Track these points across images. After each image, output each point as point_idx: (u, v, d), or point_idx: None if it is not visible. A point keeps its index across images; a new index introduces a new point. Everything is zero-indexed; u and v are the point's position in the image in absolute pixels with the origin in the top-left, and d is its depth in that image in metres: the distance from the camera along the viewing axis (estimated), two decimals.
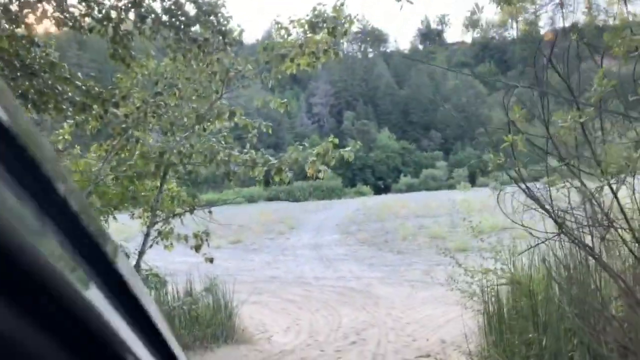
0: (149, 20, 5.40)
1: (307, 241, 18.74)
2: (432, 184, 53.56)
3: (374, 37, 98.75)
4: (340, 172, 60.66)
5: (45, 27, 5.75)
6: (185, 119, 4.56)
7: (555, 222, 3.02)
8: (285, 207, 36.95)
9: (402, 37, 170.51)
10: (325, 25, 4.66)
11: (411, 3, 2.77)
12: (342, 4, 4.77)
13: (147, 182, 5.40)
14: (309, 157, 4.71)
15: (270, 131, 4.94)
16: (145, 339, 0.46)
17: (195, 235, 4.99)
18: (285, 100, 5.13)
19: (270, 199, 50.43)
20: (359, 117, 71.34)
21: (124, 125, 5.24)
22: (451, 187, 50.67)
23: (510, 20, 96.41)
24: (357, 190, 53.32)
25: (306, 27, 4.65)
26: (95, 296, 0.37)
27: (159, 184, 4.66)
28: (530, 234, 3.30)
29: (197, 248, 4.97)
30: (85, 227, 0.38)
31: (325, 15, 4.63)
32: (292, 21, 4.73)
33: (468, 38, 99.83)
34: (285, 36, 4.70)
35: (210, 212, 5.12)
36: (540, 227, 4.24)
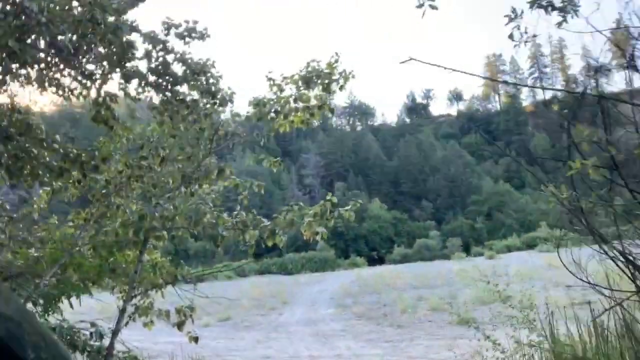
0: (134, 81, 5.17)
1: (300, 316, 17.80)
2: (427, 254, 52.72)
3: (362, 111, 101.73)
4: (333, 244, 59.84)
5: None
6: (170, 180, 4.18)
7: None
8: (277, 281, 35.80)
9: (388, 111, 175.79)
10: (319, 81, 4.43)
11: (435, 8, 2.48)
12: (336, 60, 4.57)
13: (128, 252, 4.92)
14: (306, 218, 4.29)
15: (262, 191, 4.55)
16: None
17: (178, 311, 4.43)
18: (278, 158, 4.77)
19: (261, 273, 49.15)
20: (350, 188, 71.59)
21: (104, 191, 4.83)
22: (445, 256, 49.88)
23: (492, 93, 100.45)
24: (350, 262, 52.26)
25: (300, 83, 4.42)
26: None
27: (138, 253, 4.18)
28: (601, 292, 2.80)
29: (180, 325, 4.39)
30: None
31: (320, 70, 4.41)
32: (285, 77, 4.50)
33: (453, 110, 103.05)
34: (278, 92, 4.45)
35: (195, 284, 4.59)
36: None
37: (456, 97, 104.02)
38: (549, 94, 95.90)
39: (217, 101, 4.89)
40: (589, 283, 2.82)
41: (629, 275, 2.74)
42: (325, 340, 12.96)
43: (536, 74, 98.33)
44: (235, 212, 4.46)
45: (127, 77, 5.24)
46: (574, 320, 3.74)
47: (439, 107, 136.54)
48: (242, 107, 5.01)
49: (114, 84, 5.35)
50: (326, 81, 4.45)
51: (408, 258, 51.92)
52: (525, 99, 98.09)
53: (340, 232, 63.86)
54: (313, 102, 4.51)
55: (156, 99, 5.28)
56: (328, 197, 4.45)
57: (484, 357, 4.05)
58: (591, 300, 3.81)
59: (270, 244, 4.49)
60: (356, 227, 64.15)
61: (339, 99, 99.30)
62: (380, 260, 53.75)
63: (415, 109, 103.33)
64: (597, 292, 2.87)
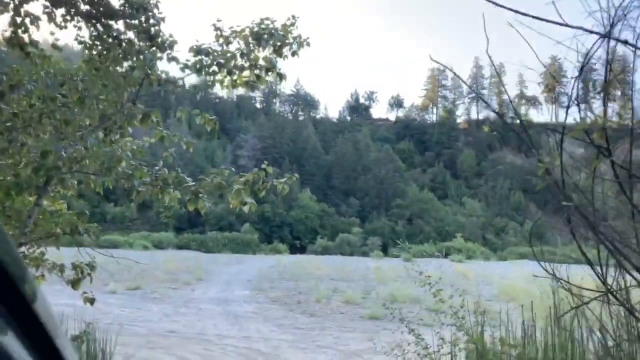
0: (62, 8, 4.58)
1: (214, 295, 17.34)
2: (347, 249, 53.63)
3: (306, 102, 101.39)
4: (258, 228, 59.32)
5: None
6: (87, 121, 3.69)
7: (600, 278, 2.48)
8: (196, 257, 34.90)
9: (331, 106, 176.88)
10: (271, 41, 4.10)
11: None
12: (292, 24, 4.26)
13: (30, 198, 4.34)
14: (235, 185, 3.96)
15: (192, 149, 4.14)
16: None
17: (75, 267, 3.94)
18: (215, 117, 4.37)
19: (180, 247, 47.79)
20: (283, 175, 71.13)
21: (9, 124, 4.23)
22: (365, 253, 50.98)
23: (431, 106, 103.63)
24: (273, 247, 52.07)
25: (250, 39, 4.06)
26: (11, 343, 0.36)
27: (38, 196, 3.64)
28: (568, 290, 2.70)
29: (75, 283, 3.91)
30: (3, 267, 0.37)
31: (273, 29, 4.08)
32: (234, 31, 4.13)
33: (392, 116, 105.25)
34: (225, 45, 4.07)
35: (97, 237, 4.10)
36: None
37: (397, 103, 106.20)
38: (482, 115, 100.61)
39: (155, 45, 4.43)
40: (554, 276, 2.76)
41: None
42: (236, 320, 12.65)
43: (473, 94, 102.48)
44: (157, 167, 4.03)
45: (54, 1, 4.65)
46: (490, 323, 3.70)
47: (380, 111, 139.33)
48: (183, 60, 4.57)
49: (38, 6, 4.73)
50: (278, 43, 4.12)
51: (329, 250, 52.54)
52: (461, 116, 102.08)
53: (267, 217, 63.43)
54: (262, 62, 4.17)
55: (86, 32, 4.73)
56: (263, 165, 4.13)
57: (405, 350, 3.93)
58: (497, 309, 3.82)
59: (191, 208, 4.10)
60: (283, 214, 64.02)
61: (285, 86, 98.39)
62: (302, 250, 54.00)
63: (357, 109, 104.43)
64: (564, 288, 2.80)
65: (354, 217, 69.28)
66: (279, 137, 79.87)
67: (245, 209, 4.14)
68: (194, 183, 3.92)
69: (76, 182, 3.82)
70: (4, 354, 0.35)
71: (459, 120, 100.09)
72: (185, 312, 13.81)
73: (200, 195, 4.08)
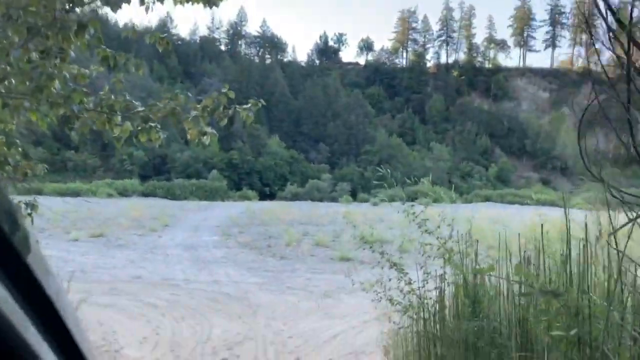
0: None
1: (181, 241, 17.02)
2: (317, 195, 53.81)
3: (273, 44, 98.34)
4: (227, 175, 58.62)
5: None
6: (10, 33, 3.11)
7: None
8: (162, 204, 34.29)
9: (300, 49, 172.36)
10: None
11: None
12: None
13: None
14: (192, 111, 3.50)
15: (142, 72, 3.62)
16: (52, 340, 0.44)
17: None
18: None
19: (146, 195, 46.88)
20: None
21: None
22: (334, 199, 51.33)
23: (401, 49, 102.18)
24: (242, 194, 51.68)
25: None
26: (2, 295, 0.37)
27: None
28: None
29: None
30: None
31: None
32: None
33: (362, 60, 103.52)
34: None
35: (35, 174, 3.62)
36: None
37: (367, 46, 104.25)
38: (451, 59, 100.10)
39: None
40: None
41: None
42: (204, 265, 12.42)
43: (444, 37, 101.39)
44: (102, 92, 3.51)
45: None
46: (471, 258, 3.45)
47: (349, 54, 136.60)
48: None
49: None
50: None
51: (299, 197, 52.60)
52: (430, 60, 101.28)
53: (235, 165, 62.65)
54: None
55: None
56: (224, 89, 3.67)
57: (386, 287, 3.65)
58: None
59: (143, 139, 3.64)
60: (251, 161, 63.33)
61: (251, 27, 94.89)
62: (272, 196, 53.85)
63: (326, 52, 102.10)
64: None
65: (323, 163, 69.23)
66: (246, 81, 77.66)
67: (205, 140, 3.71)
68: (143, 109, 3.44)
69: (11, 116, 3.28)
70: None
71: (428, 65, 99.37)
72: (152, 258, 13.48)
73: (152, 124, 3.60)
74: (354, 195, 54.62)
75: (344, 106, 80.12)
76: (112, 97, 3.52)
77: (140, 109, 3.43)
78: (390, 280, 3.66)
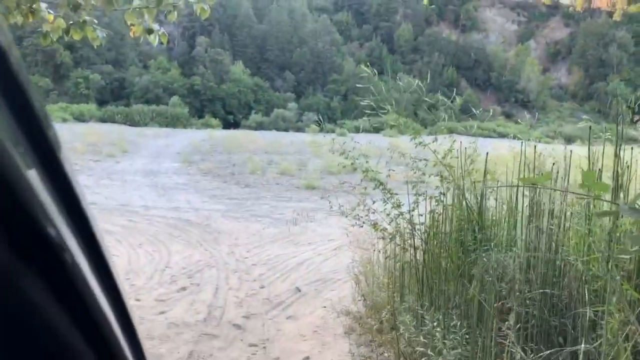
0: None
1: (140, 167, 16.31)
2: (282, 125, 52.95)
3: None
4: (188, 101, 56.63)
5: None
6: None
7: None
8: (120, 130, 32.87)
9: None
10: None
11: None
12: None
13: None
14: (135, 1, 2.89)
15: None
16: (79, 236, 0.46)
17: None
18: None
19: (104, 120, 44.92)
20: (213, 45, 66.81)
21: None
22: (300, 129, 50.67)
23: None
24: (204, 122, 50.24)
25: None
26: (35, 178, 0.38)
27: None
28: None
29: None
30: (31, 107, 0.39)
31: None
32: None
33: None
34: None
35: None
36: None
37: None
38: None
39: None
40: None
41: None
42: (164, 192, 11.91)
43: None
44: None
45: None
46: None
47: None
48: None
49: None
50: None
51: (264, 126, 51.63)
52: None
53: (197, 91, 60.42)
54: None
55: None
56: None
57: (369, 208, 3.23)
58: (425, 180, 3.28)
59: (77, 36, 3.03)
60: (214, 88, 61.17)
61: None
62: (236, 125, 52.62)
63: None
64: None
65: (289, 92, 67.68)
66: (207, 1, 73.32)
67: (152, 39, 3.12)
68: None
69: None
70: (28, 188, 0.36)
71: None
72: (108, 184, 12.84)
73: (87, 18, 2.97)
74: (319, 125, 54.02)
75: (311, 32, 77.33)
76: None
77: None
78: (374, 202, 3.27)
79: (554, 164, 2.39)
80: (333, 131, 48.24)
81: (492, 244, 2.30)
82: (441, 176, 2.83)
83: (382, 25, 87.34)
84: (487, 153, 2.70)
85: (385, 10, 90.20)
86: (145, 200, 10.79)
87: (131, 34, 3.08)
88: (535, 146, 2.86)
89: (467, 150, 2.89)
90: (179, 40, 70.28)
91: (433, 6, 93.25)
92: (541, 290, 2.06)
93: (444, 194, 2.82)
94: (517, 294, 2.05)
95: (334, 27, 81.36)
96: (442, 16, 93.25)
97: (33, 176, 0.37)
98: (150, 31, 3.03)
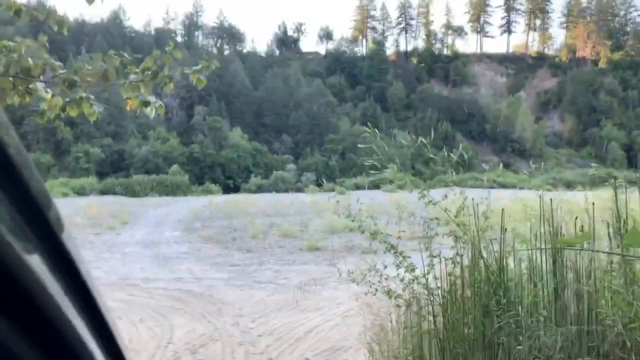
0: None
1: (141, 238, 16.13)
2: (282, 186, 53.14)
3: (231, 35, 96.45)
4: (188, 169, 57.14)
5: None
6: None
7: None
8: (121, 202, 32.92)
9: (258, 39, 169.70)
10: None
11: None
12: None
13: None
14: (131, 75, 2.89)
15: (65, 30, 2.92)
16: (85, 314, 0.46)
17: None
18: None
19: (104, 193, 45.07)
20: (211, 113, 68.35)
21: None
22: (300, 190, 50.83)
23: (360, 38, 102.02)
24: (204, 188, 50.41)
25: None
26: (37, 264, 0.38)
27: None
28: None
29: None
30: (30, 190, 0.39)
31: None
32: None
33: (322, 49, 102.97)
34: None
35: None
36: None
37: (326, 35, 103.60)
38: (410, 46, 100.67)
39: None
40: None
41: None
42: (165, 262, 11.68)
43: (403, 25, 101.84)
44: (15, 54, 2.85)
45: None
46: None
47: (309, 44, 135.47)
48: None
49: None
50: None
51: (263, 189, 51.80)
52: (390, 48, 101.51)
53: (196, 158, 61.14)
54: None
55: None
56: (168, 47, 3.05)
57: (381, 274, 3.04)
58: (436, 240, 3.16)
59: (73, 113, 3.00)
60: (214, 155, 61.94)
61: (207, 18, 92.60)
62: (236, 189, 52.82)
63: (286, 42, 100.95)
64: None
65: (287, 154, 68.50)
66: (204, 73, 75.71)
67: (149, 112, 3.09)
68: (66, 70, 2.79)
69: None
70: (29, 273, 0.35)
71: (388, 52, 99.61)
72: (109, 258, 12.62)
73: (83, 95, 2.96)
74: (319, 185, 54.22)
75: (306, 96, 79.44)
76: (29, 59, 2.85)
77: (62, 71, 2.78)
78: (385, 267, 3.10)
79: (576, 218, 2.28)
80: (333, 190, 48.42)
81: (520, 308, 2.14)
82: (455, 236, 2.69)
83: (375, 85, 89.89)
84: (503, 210, 2.59)
85: (376, 71, 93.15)
86: (145, 272, 10.55)
87: (128, 107, 3.06)
88: (541, 196, 2.77)
89: (478, 206, 2.78)
90: (177, 110, 72.00)
91: (423, 64, 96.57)
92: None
93: (460, 255, 2.68)
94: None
95: (327, 90, 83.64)
96: (432, 73, 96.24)
97: (35, 262, 0.36)
98: (146, 104, 3.01)
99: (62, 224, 0.43)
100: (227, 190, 51.46)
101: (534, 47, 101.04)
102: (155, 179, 49.73)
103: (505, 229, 2.52)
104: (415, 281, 2.79)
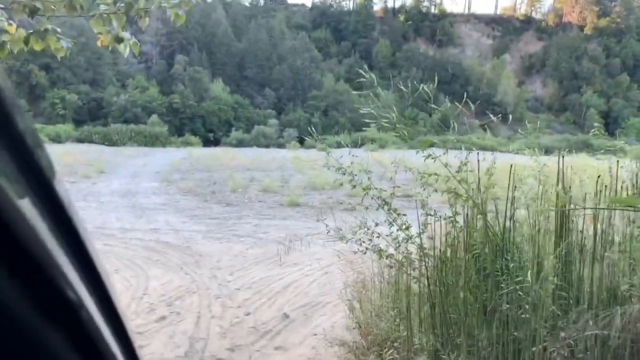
0: None
1: (117, 187, 15.82)
2: (263, 141, 52.66)
3: None
4: (168, 120, 56.02)
5: None
6: None
7: None
8: (98, 150, 32.20)
9: None
10: None
11: None
12: None
13: None
14: (101, 6, 2.61)
15: None
16: (75, 260, 0.45)
17: None
18: None
19: (81, 141, 44.01)
20: (192, 63, 66.48)
21: None
22: (281, 146, 50.47)
23: None
24: (184, 140, 49.62)
25: None
26: (28, 209, 0.38)
27: None
28: None
29: None
30: (22, 134, 0.39)
31: None
32: None
33: (308, 1, 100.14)
34: None
35: None
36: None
37: None
38: (398, 3, 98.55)
39: None
40: None
41: None
42: (142, 213, 11.48)
43: None
44: None
45: None
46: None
47: None
48: None
49: None
50: None
51: (245, 143, 51.26)
52: (377, 3, 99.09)
53: (176, 109, 59.86)
54: None
55: None
56: None
57: (372, 232, 2.86)
58: (411, 194, 3.03)
59: (38, 47, 2.73)
60: (194, 106, 60.70)
61: None
62: (216, 143, 52.15)
63: None
64: None
65: (269, 109, 67.51)
66: (185, 21, 73.01)
67: (123, 49, 2.83)
68: None
69: None
70: (21, 217, 0.35)
71: (375, 8, 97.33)
72: (84, 206, 12.34)
73: (48, 27, 2.68)
74: (301, 142, 53.85)
75: (290, 50, 77.64)
76: None
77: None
78: (376, 224, 2.96)
79: (599, 176, 2.15)
80: (314, 147, 48.16)
81: (525, 272, 2.01)
82: (455, 193, 2.54)
83: (360, 41, 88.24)
84: (512, 166, 2.44)
85: (363, 27, 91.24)
86: (122, 222, 10.35)
87: (99, 43, 2.80)
88: (561, 154, 2.65)
89: (479, 164, 2.63)
90: (157, 58, 69.81)
91: (410, 22, 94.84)
92: (590, 333, 1.79)
93: (458, 214, 2.54)
94: (562, 335, 1.77)
95: (312, 44, 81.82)
96: (419, 32, 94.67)
97: (26, 205, 0.36)
98: (119, 40, 2.74)
99: (54, 170, 0.42)
100: (207, 143, 50.77)
101: (522, 10, 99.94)
102: (134, 128, 48.68)
103: (515, 186, 2.37)
104: (409, 240, 2.66)
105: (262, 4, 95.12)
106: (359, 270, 3.81)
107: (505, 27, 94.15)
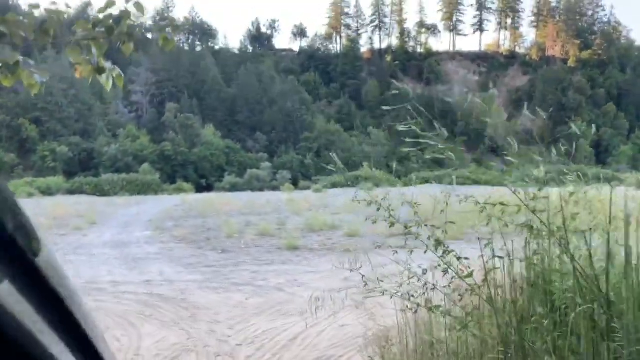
0: None
1: (109, 238, 15.28)
2: (257, 185, 52.31)
3: (203, 31, 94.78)
4: (159, 167, 55.75)
5: None
6: None
7: None
8: (89, 201, 31.67)
9: (231, 36, 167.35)
10: None
11: None
12: None
13: None
14: (79, 31, 2.27)
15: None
16: (69, 340, 0.43)
17: None
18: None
19: (71, 193, 43.46)
20: (183, 111, 66.82)
21: None
22: (275, 188, 50.10)
23: (334, 35, 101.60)
24: (177, 187, 49.17)
25: None
26: (7, 291, 0.37)
27: None
28: None
29: None
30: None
31: None
32: None
33: (296, 46, 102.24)
34: None
35: None
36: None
37: (300, 32, 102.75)
38: (385, 44, 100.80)
39: None
40: None
41: None
42: (135, 264, 10.94)
43: (377, 22, 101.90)
44: None
45: None
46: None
47: (283, 41, 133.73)
48: None
49: None
50: None
51: (238, 187, 50.89)
52: (364, 45, 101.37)
53: (168, 156, 59.72)
54: None
55: None
56: None
57: (425, 283, 2.43)
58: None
59: (7, 83, 2.39)
60: (186, 153, 60.64)
61: (179, 13, 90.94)
62: (209, 188, 51.73)
63: (259, 39, 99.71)
64: None
65: (261, 152, 67.56)
66: (175, 69, 74.10)
67: (104, 81, 2.50)
68: None
69: None
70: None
71: (362, 50, 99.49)
72: (75, 260, 11.78)
73: (19, 59, 2.34)
74: (295, 184, 53.55)
75: (280, 93, 78.55)
76: None
77: None
78: (425, 272, 2.49)
79: None
80: (308, 188, 47.85)
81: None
82: (530, 227, 2.14)
83: (349, 83, 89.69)
84: (611, 191, 2.07)
85: (351, 69, 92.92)
86: (113, 275, 9.81)
87: (77, 74, 2.47)
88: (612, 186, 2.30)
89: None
90: (147, 107, 70.26)
91: (397, 62, 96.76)
92: None
93: (537, 253, 2.13)
94: None
95: (302, 87, 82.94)
96: (406, 71, 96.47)
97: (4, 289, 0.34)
98: (101, 70, 2.41)
99: (38, 244, 0.38)
100: (200, 189, 50.34)
101: (506, 46, 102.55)
102: (126, 178, 48.29)
103: (610, 220, 1.95)
104: (473, 292, 2.18)
105: (250, 51, 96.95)
106: (375, 315, 3.36)
107: (491, 63, 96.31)
